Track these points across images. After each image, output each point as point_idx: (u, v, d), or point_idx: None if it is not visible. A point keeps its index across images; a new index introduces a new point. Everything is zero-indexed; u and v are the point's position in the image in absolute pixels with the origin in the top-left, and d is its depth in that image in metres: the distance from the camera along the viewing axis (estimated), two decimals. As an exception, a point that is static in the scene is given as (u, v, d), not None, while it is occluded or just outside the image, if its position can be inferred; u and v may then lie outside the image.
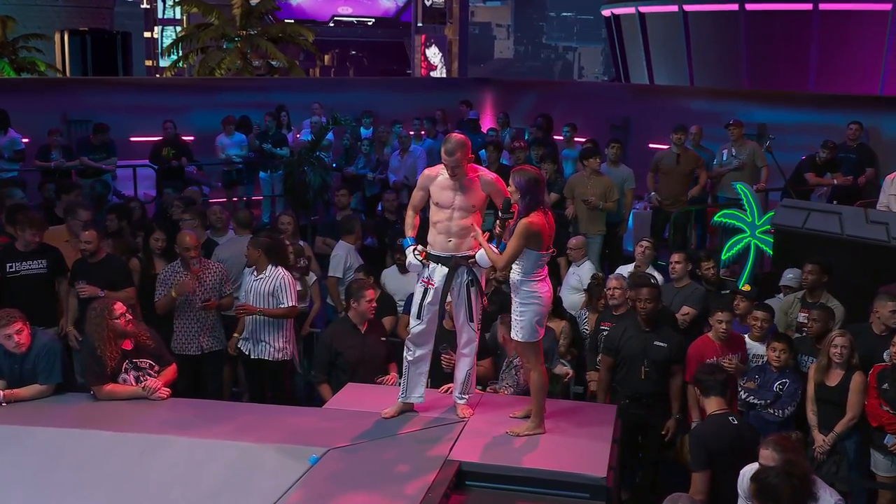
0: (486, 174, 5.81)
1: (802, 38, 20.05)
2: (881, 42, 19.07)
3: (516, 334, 5.61)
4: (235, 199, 14.06)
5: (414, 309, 5.88)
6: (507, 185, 5.57)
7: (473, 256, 5.73)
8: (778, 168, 10.71)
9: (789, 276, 8.13)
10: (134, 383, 6.16)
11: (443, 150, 5.61)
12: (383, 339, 7.12)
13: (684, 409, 7.06)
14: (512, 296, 5.65)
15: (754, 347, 7.26)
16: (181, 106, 15.91)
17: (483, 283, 5.94)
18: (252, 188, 14.40)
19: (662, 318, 7.30)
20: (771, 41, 20.78)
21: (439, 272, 5.76)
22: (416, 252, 5.80)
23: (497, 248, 5.62)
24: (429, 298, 5.79)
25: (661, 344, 6.94)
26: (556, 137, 14.14)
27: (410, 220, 5.97)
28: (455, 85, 21.23)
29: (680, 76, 22.64)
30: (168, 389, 6.19)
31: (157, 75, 37.15)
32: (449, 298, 5.88)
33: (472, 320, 5.88)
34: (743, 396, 6.91)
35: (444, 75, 43.87)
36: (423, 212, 6.02)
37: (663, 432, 6.91)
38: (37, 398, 6.12)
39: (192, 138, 15.07)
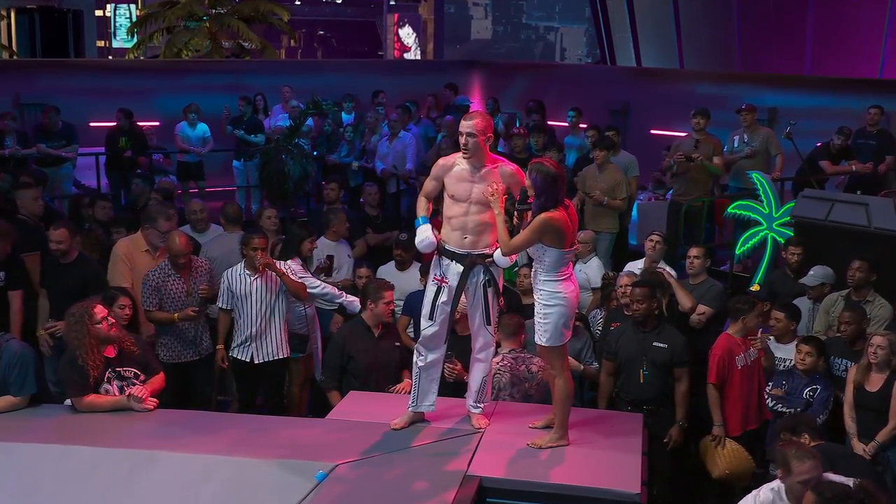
0: (506, 165, 5.67)
1: (798, 19, 20.06)
2: (881, 23, 19.08)
3: (540, 338, 5.49)
4: (195, 190, 13.79)
5: (426, 309, 5.73)
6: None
7: (490, 255, 5.59)
8: (799, 156, 10.63)
9: (819, 273, 8.03)
10: (117, 394, 5.97)
11: (462, 119, 5.53)
12: (397, 343, 6.98)
13: (698, 416, 6.98)
14: (534, 297, 5.52)
15: (779, 350, 7.19)
16: (145, 89, 15.67)
17: (501, 283, 5.81)
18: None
19: (666, 318, 7.21)
20: (765, 22, 20.78)
21: (453, 270, 5.63)
22: (433, 233, 5.63)
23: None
24: (443, 298, 5.65)
25: (661, 345, 6.81)
26: (549, 123, 14.03)
27: (423, 205, 5.81)
28: (439, 68, 21.08)
29: (669, 58, 22.61)
30: (155, 400, 6.01)
31: (110, 56, 36.71)
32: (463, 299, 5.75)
33: (488, 323, 5.75)
34: (770, 405, 6.83)
35: (418, 57, 43.79)
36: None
37: (665, 440, 6.80)
38: (9, 411, 5.92)
39: (157, 124, 14.84)
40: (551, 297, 5.39)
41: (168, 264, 7.39)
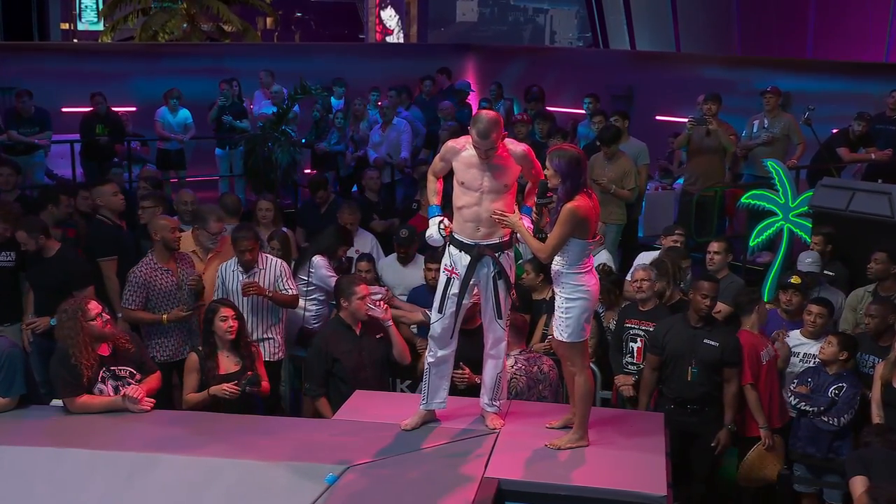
0: (516, 146, 5.64)
1: (800, 0, 20.18)
2: (886, 5, 19.20)
3: (561, 334, 5.49)
4: (175, 180, 13.76)
5: (436, 302, 5.72)
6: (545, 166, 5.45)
7: (500, 245, 5.59)
8: (818, 142, 10.67)
9: (807, 260, 8.06)
10: (112, 394, 5.96)
11: (473, 132, 5.42)
12: (379, 336, 6.96)
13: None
14: (555, 290, 5.53)
15: (807, 346, 7.23)
16: (120, 73, 15.61)
17: (512, 275, 5.82)
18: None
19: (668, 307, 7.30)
20: (765, 4, 20.88)
21: (463, 261, 5.62)
22: (442, 226, 5.66)
23: (531, 220, 5.50)
24: (453, 289, 5.65)
25: (712, 343, 6.82)
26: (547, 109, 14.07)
27: (433, 186, 5.82)
28: (431, 51, 21.01)
29: (665, 41, 22.69)
30: (152, 400, 6.00)
31: (75, 39, 36.48)
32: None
33: (500, 317, 5.74)
34: (793, 402, 6.87)
35: (401, 40, 43.76)
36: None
37: (713, 444, 6.83)
38: (-3, 413, 5.90)
39: (133, 109, 14.81)
40: (574, 291, 5.40)
41: (154, 258, 7.34)
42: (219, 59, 17.10)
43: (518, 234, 5.55)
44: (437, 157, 5.85)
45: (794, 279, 7.66)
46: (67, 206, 8.29)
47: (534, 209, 5.53)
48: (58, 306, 6.18)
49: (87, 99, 13.40)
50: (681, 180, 11.92)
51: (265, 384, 6.48)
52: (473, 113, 7.60)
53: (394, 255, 8.57)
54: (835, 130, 11.41)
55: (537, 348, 7.23)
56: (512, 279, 5.80)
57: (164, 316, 7.21)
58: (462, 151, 5.61)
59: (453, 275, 5.65)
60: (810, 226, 9.15)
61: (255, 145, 12.35)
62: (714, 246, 8.20)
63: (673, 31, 22.44)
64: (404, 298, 7.96)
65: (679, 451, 6.76)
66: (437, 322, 5.73)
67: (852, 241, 8.36)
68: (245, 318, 7.22)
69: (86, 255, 7.85)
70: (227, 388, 6.20)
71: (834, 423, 6.67)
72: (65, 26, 38.63)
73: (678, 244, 8.46)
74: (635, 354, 7.33)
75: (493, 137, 5.39)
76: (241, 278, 7.22)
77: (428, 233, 5.74)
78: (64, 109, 14.54)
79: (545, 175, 5.42)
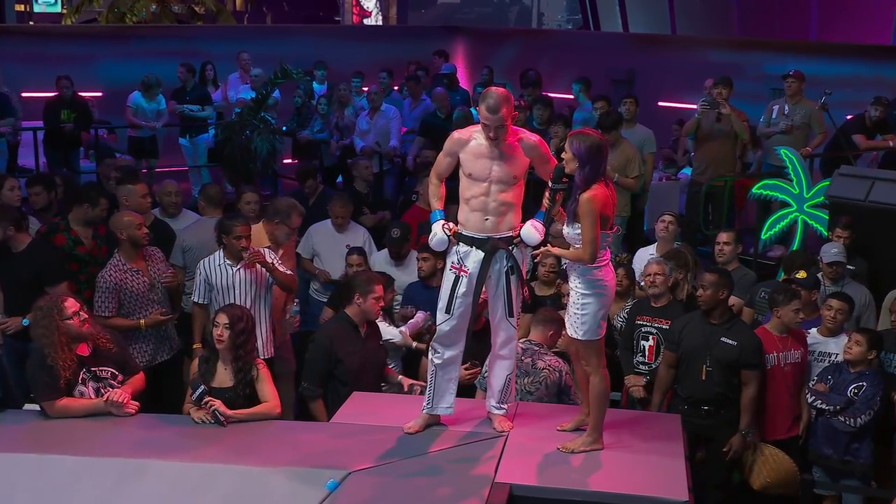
0: (528, 137, 5.69)
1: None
2: (894, -13, 19.39)
3: (576, 332, 5.49)
4: (145, 170, 13.70)
5: (442, 302, 5.72)
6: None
7: (514, 237, 5.61)
8: (834, 128, 10.70)
9: (833, 250, 8.10)
10: (93, 396, 5.93)
11: (482, 107, 5.44)
12: (382, 342, 7.04)
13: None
14: (570, 285, 5.55)
15: (822, 344, 7.26)
16: (85, 56, 15.57)
17: (524, 270, 5.84)
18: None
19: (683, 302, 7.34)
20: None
21: (473, 257, 5.62)
22: (447, 228, 5.66)
23: (543, 225, 5.51)
24: (462, 289, 5.65)
25: (729, 342, 6.81)
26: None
27: (436, 190, 5.83)
28: (419, 34, 21.07)
29: (660, 24, 22.78)
30: (136, 403, 5.97)
31: (31, 22, 36.30)
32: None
33: (511, 315, 5.75)
34: (809, 400, 6.91)
35: (379, 22, 43.66)
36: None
37: (725, 449, 6.84)
38: (-29, 417, 5.89)
39: (99, 94, 14.74)
40: (590, 286, 5.40)
41: (122, 259, 7.22)
42: (190, 41, 17.09)
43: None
44: (440, 155, 5.83)
45: (801, 274, 7.68)
46: (104, 208, 8.10)
47: (546, 194, 5.54)
48: (29, 304, 6.17)
49: (49, 83, 13.34)
50: (686, 170, 11.97)
51: (268, 404, 6.06)
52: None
53: (386, 252, 8.62)
54: (850, 116, 11.44)
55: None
56: (524, 274, 5.83)
57: (142, 321, 7.16)
58: (469, 141, 5.62)
59: (461, 273, 5.64)
60: (826, 217, 9.20)
61: (231, 133, 12.28)
62: (723, 236, 8.22)
63: (668, 12, 22.53)
64: (399, 296, 7.98)
65: (694, 455, 6.81)
66: (445, 322, 5.73)
67: (872, 234, 8.39)
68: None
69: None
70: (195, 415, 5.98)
71: (850, 424, 6.70)
72: (20, 8, 38.37)
73: (667, 223, 8.50)
74: (647, 353, 7.37)
75: (502, 113, 5.41)
76: (230, 272, 7.15)
77: (432, 238, 5.72)
78: (24, 94, 14.45)
79: (564, 159, 5.43)
